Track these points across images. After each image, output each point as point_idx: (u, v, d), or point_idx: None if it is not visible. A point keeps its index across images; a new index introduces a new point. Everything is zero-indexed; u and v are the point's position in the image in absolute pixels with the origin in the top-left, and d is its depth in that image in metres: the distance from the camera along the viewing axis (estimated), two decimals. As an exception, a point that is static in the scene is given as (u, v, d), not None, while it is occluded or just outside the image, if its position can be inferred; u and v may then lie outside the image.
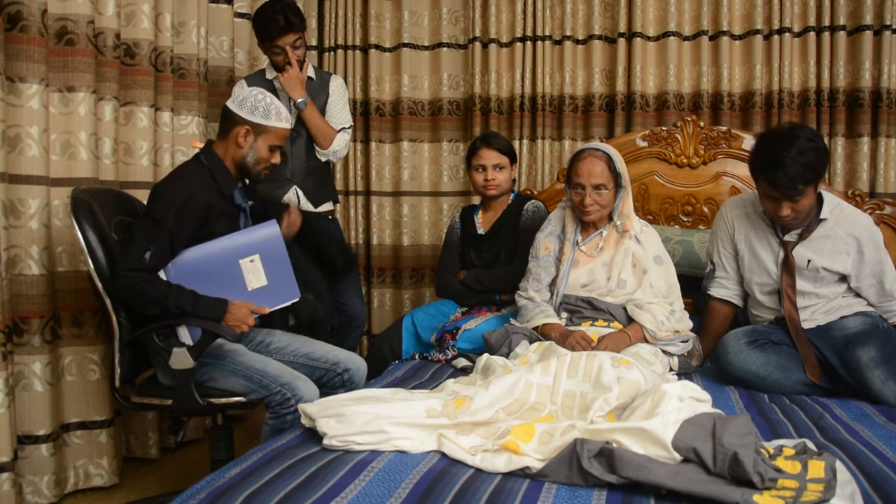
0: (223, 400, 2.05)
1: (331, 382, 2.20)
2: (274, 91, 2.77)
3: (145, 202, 2.14)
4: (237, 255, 2.11)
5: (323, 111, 2.85)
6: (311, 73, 2.88)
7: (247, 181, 2.25)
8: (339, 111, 2.88)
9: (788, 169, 2.05)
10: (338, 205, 3.36)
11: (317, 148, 2.83)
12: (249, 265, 2.12)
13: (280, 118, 2.13)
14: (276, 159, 2.18)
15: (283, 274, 2.16)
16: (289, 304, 2.19)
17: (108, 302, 2.04)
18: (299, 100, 2.74)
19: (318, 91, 2.86)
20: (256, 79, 2.87)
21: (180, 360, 2.00)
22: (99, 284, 2.03)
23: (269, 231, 2.16)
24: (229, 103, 2.15)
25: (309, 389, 1.99)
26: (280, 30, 2.67)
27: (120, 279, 1.96)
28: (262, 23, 2.71)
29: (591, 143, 2.41)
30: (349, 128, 2.90)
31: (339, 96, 2.90)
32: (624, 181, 2.33)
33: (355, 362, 2.23)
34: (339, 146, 2.84)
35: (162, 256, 2.00)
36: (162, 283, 1.99)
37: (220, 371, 2.04)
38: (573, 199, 2.34)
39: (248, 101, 2.11)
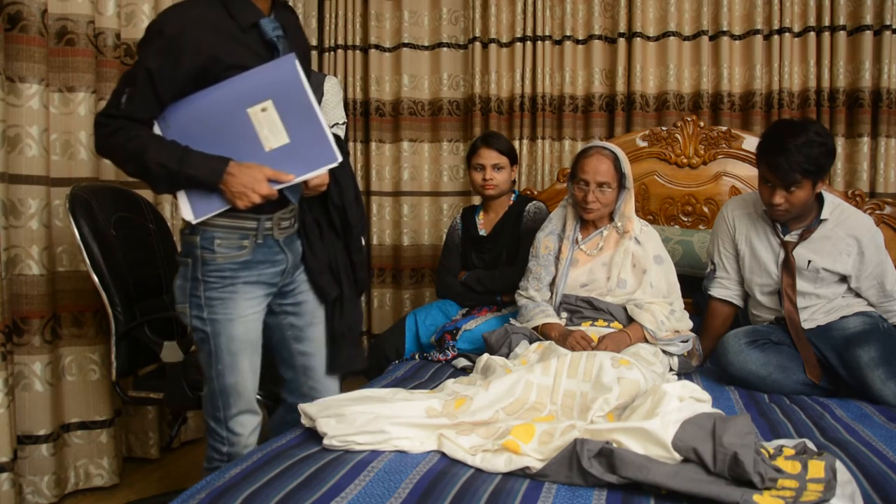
0: None
1: (292, 395, 1.86)
2: None
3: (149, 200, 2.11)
4: (242, 103, 1.55)
5: None
6: None
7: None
8: (332, 108, 2.87)
9: (790, 155, 2.07)
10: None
11: None
12: (262, 115, 1.56)
13: None
14: None
15: (309, 127, 1.57)
16: (324, 170, 1.62)
17: (104, 296, 2.04)
18: None
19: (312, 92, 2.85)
20: None
21: (171, 353, 1.99)
22: (95, 279, 2.03)
23: (283, 66, 1.56)
24: None
25: (242, 450, 1.70)
26: None
27: (95, 130, 1.56)
28: None
29: (598, 142, 2.42)
30: (343, 123, 2.90)
31: (333, 94, 2.90)
32: (628, 182, 2.33)
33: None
34: None
35: (144, 103, 1.52)
36: (145, 135, 1.53)
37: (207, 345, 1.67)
38: (575, 195, 2.34)
39: None
